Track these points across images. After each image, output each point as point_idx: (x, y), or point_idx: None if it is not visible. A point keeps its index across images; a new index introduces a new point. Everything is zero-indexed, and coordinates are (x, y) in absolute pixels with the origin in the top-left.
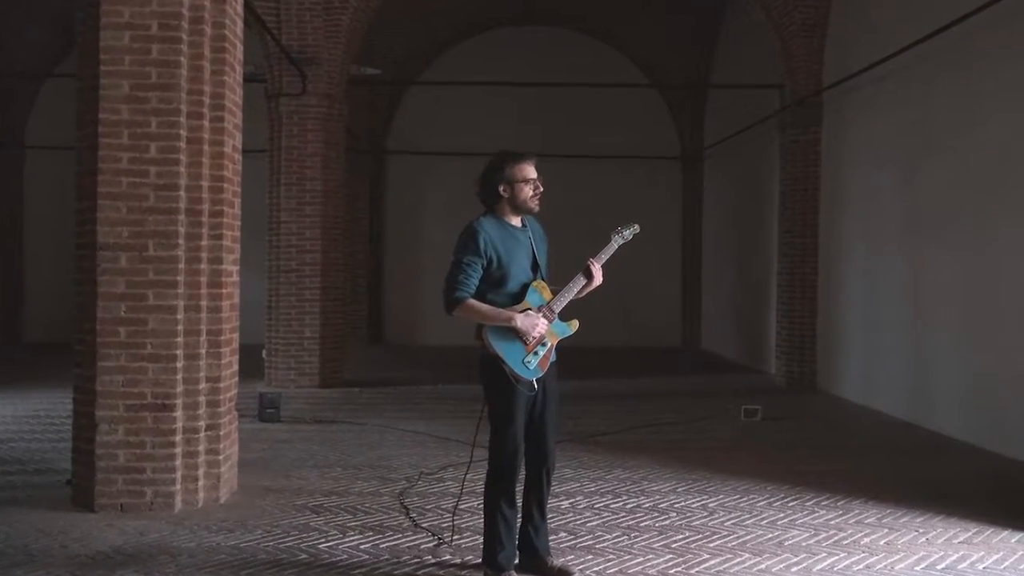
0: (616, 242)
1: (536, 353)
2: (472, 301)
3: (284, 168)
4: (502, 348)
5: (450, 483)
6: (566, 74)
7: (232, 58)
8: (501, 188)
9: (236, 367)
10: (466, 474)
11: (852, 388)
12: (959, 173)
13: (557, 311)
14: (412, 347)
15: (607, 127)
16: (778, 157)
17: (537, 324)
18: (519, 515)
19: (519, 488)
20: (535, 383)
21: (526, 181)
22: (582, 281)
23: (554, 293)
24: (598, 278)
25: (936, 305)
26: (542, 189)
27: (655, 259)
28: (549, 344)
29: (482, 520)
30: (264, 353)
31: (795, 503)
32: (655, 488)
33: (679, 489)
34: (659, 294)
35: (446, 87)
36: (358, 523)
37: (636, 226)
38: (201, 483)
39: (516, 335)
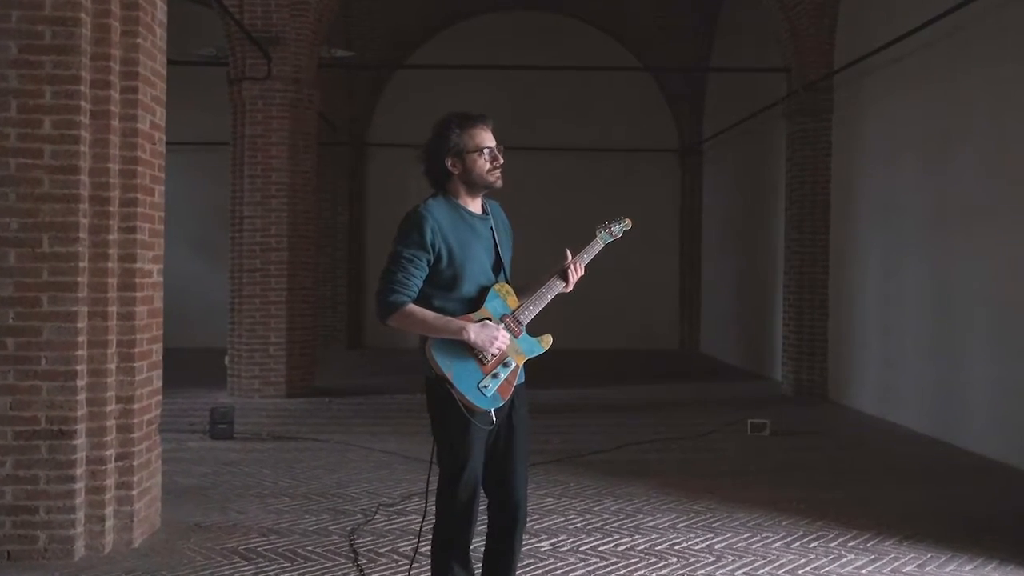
0: (602, 239)
1: (496, 376)
2: (412, 307)
3: (247, 158)
4: (451, 368)
5: (412, 517)
6: (559, 61)
7: (149, 18)
8: (450, 162)
9: (158, 384)
10: (426, 506)
11: (868, 399)
12: (991, 162)
13: (525, 323)
14: (393, 352)
15: (601, 118)
16: (784, 147)
17: (497, 338)
18: None
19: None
20: (494, 415)
21: (480, 150)
22: (558, 286)
23: (521, 300)
24: (572, 282)
25: (965, 308)
26: (502, 160)
27: (652, 257)
28: (513, 365)
29: None
30: (226, 359)
31: (816, 543)
32: (651, 524)
33: (679, 525)
34: (656, 294)
35: (432, 76)
36: (295, 573)
37: (627, 221)
38: (110, 523)
39: (469, 352)
